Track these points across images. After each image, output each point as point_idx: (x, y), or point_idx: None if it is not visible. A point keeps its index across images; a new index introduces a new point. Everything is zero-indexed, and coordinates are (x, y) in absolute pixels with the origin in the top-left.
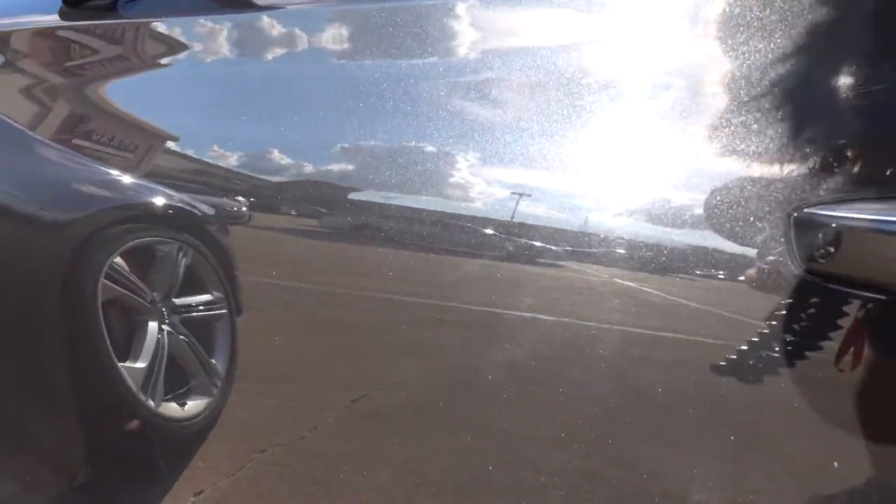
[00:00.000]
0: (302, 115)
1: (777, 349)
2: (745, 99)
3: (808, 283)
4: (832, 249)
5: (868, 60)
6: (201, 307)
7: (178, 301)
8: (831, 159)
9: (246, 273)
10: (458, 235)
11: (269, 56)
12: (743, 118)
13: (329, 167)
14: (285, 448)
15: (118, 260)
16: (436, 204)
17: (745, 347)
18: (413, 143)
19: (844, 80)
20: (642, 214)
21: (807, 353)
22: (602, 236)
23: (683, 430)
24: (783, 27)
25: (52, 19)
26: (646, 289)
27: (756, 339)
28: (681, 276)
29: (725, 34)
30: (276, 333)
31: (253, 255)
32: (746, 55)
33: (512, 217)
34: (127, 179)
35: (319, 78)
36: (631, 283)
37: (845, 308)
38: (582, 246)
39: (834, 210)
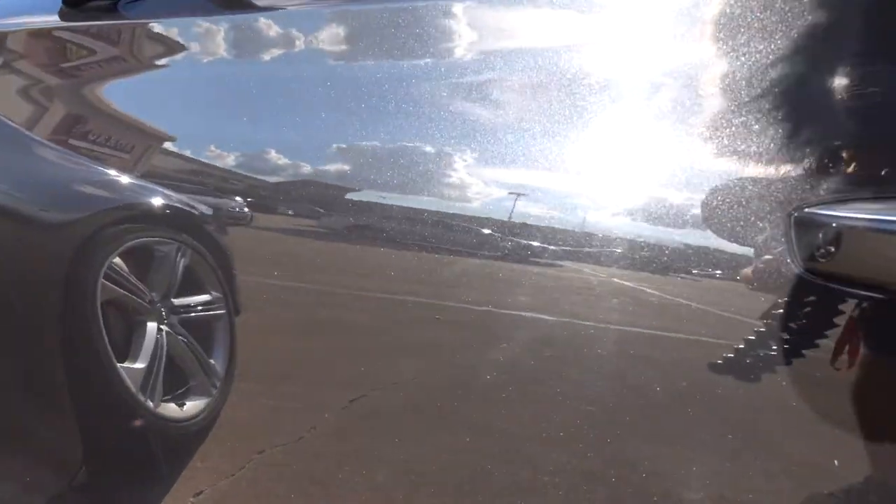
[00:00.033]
0: (300, 116)
1: (774, 348)
2: (746, 100)
3: (804, 282)
4: (832, 249)
5: (867, 61)
6: (200, 307)
7: (176, 301)
8: (831, 159)
9: (244, 273)
10: (456, 235)
11: (270, 57)
12: (744, 119)
13: (327, 167)
14: (284, 448)
15: (117, 260)
16: (434, 204)
17: (742, 346)
18: (411, 144)
19: (844, 81)
20: (643, 214)
21: (803, 352)
22: (602, 236)
23: (682, 430)
24: (783, 28)
25: (52, 20)
26: (645, 289)
27: (753, 338)
28: (680, 275)
29: (726, 35)
30: (274, 333)
31: (251, 256)
32: (747, 56)
33: (509, 217)
34: (126, 180)
35: (318, 79)
36: (630, 283)
37: (840, 307)
38: (581, 246)
39: (834, 210)
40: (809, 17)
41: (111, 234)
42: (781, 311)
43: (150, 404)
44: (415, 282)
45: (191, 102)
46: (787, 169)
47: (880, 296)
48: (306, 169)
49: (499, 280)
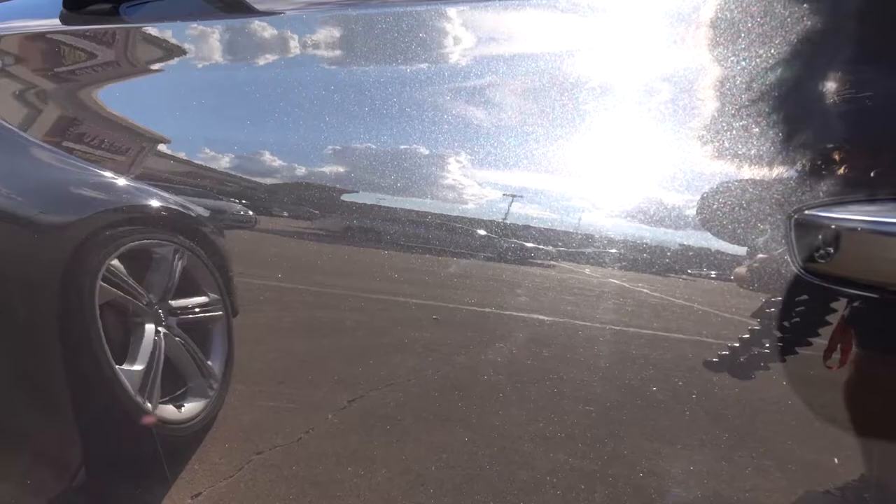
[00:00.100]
0: (297, 119)
1: (767, 346)
2: (746, 103)
3: (798, 282)
4: (832, 250)
5: (864, 66)
6: (197, 309)
7: (174, 303)
8: (831, 162)
9: (241, 275)
10: (453, 236)
11: (271, 61)
12: (744, 122)
13: (323, 169)
14: (283, 449)
15: (115, 262)
16: (431, 205)
17: (736, 344)
18: (406, 146)
19: (842, 86)
20: (644, 216)
21: (796, 350)
22: (599, 237)
23: (678, 428)
24: (782, 33)
25: (53, 23)
26: (642, 289)
27: (747, 336)
28: (677, 276)
29: (727, 40)
30: (272, 335)
31: (249, 257)
32: (747, 61)
33: (505, 218)
34: (126, 183)
35: (317, 82)
36: (627, 284)
37: (833, 306)
38: (577, 246)
39: (833, 212)
40: (808, 23)
41: (109, 237)
42: (775, 309)
43: (149, 406)
44: (412, 283)
45: (192, 106)
46: (786, 172)
47: (878, 296)
48: (302, 171)
49: (496, 281)
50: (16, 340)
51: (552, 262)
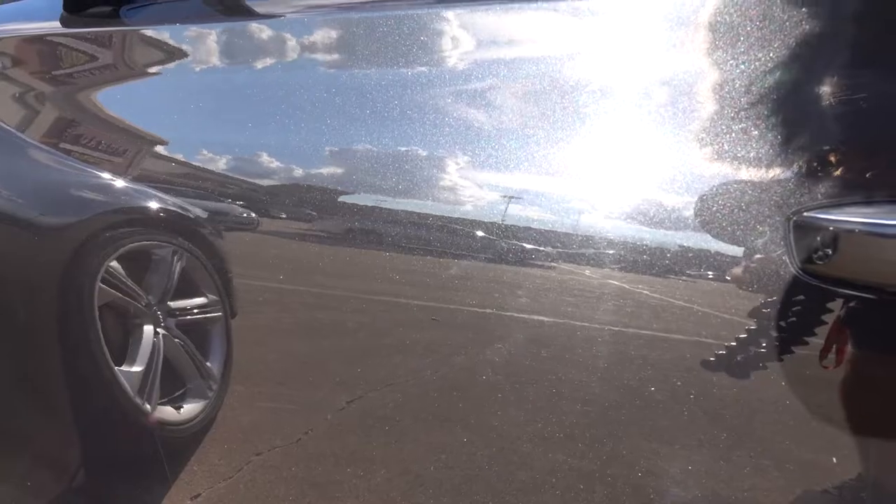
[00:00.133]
0: (296, 121)
1: (764, 345)
2: (745, 106)
3: (794, 282)
4: (830, 252)
5: (862, 69)
6: (196, 310)
7: (173, 304)
8: (829, 164)
9: (240, 276)
10: (452, 238)
11: (272, 63)
12: (743, 125)
13: (324, 171)
14: (282, 450)
15: (114, 264)
16: (430, 207)
17: (733, 343)
18: (405, 148)
19: (840, 89)
20: (644, 218)
21: (792, 350)
22: (602, 239)
23: (677, 428)
24: (781, 37)
25: (53, 26)
26: (641, 290)
27: (744, 336)
28: (678, 277)
29: (726, 43)
30: (271, 336)
31: (247, 258)
32: (746, 64)
33: (503, 219)
34: (125, 185)
35: (318, 84)
36: (625, 285)
37: (829, 306)
38: (576, 248)
39: (832, 214)
40: (805, 27)
41: (108, 238)
42: (771, 309)
43: (148, 407)
44: (412, 284)
45: (192, 108)
46: (785, 174)
47: (876, 297)
48: (303, 173)
49: (496, 282)
50: (15, 342)
51: (552, 264)
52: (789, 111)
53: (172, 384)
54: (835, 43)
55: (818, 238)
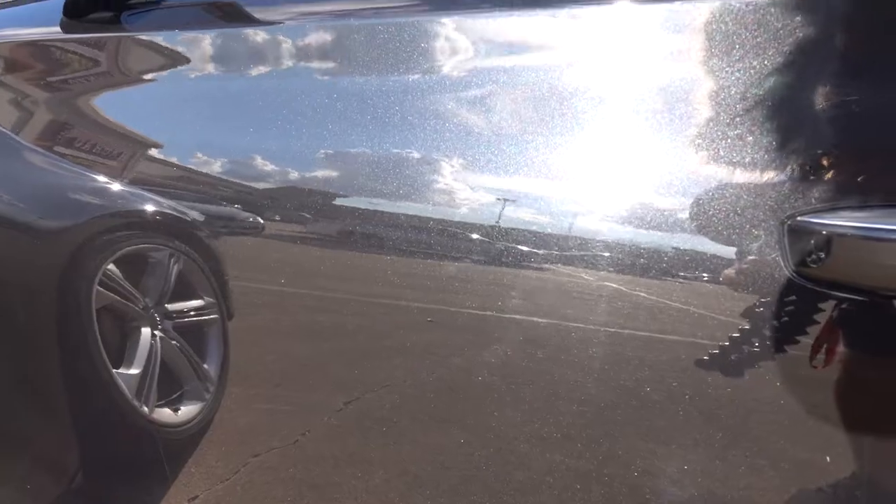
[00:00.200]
0: (294, 125)
1: (756, 345)
2: (741, 112)
3: (786, 284)
4: (823, 255)
5: (855, 75)
6: (193, 313)
7: (170, 307)
8: (823, 169)
9: (237, 279)
10: (452, 241)
11: (272, 68)
12: (738, 131)
13: (324, 175)
14: (279, 451)
15: (111, 267)
16: (426, 209)
17: (727, 343)
18: (402, 151)
19: (833, 95)
20: (641, 221)
21: (784, 350)
22: (599, 242)
23: (673, 428)
24: (775, 44)
25: (53, 31)
26: (637, 292)
27: (737, 335)
28: (675, 280)
29: (721, 51)
30: (267, 337)
31: (244, 261)
32: (742, 71)
33: (497, 221)
34: (122, 188)
35: (317, 90)
36: (622, 287)
37: (821, 308)
38: (579, 250)
39: (825, 218)
40: (799, 34)
41: (106, 242)
42: (765, 310)
43: (145, 410)
44: (409, 286)
45: (192, 113)
46: (779, 179)
47: (868, 299)
48: (303, 177)
49: (494, 284)
50: (14, 345)
51: (550, 266)
52: (783, 117)
53: (170, 386)
54: (828, 49)
55: (812, 241)
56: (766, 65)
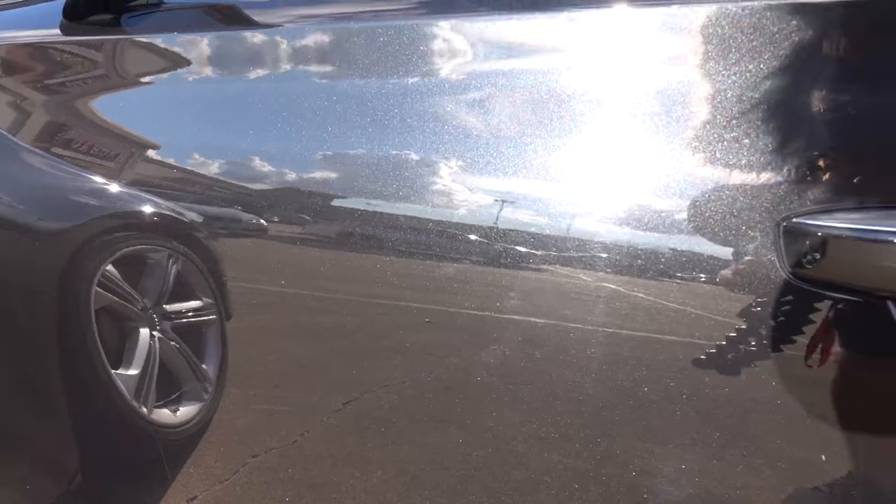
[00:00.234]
0: (301, 129)
1: (753, 344)
2: (737, 115)
3: (782, 284)
4: (818, 256)
5: (850, 78)
6: (191, 313)
7: (168, 307)
8: (818, 172)
9: (235, 279)
10: (446, 240)
11: (271, 71)
12: (735, 133)
13: (324, 176)
14: (278, 452)
15: (110, 268)
16: (424, 211)
17: (723, 342)
18: (400, 153)
19: (828, 99)
20: (638, 223)
21: (780, 350)
22: (598, 243)
23: (670, 428)
24: (771, 48)
25: (53, 33)
26: (635, 292)
27: (733, 335)
28: (672, 280)
29: (718, 54)
30: (266, 338)
31: (242, 261)
32: (738, 74)
33: (495, 222)
34: (121, 189)
35: (320, 92)
36: (620, 287)
37: (816, 307)
38: (577, 251)
39: (820, 219)
40: (795, 38)
41: (105, 243)
42: (761, 310)
43: (144, 410)
44: (408, 287)
45: (191, 115)
46: (775, 181)
47: (862, 300)
48: (303, 178)
49: (493, 285)
50: (13, 345)
51: (548, 267)
52: (779, 120)
53: (169, 387)
54: (822, 53)
55: (807, 243)
56: (761, 68)
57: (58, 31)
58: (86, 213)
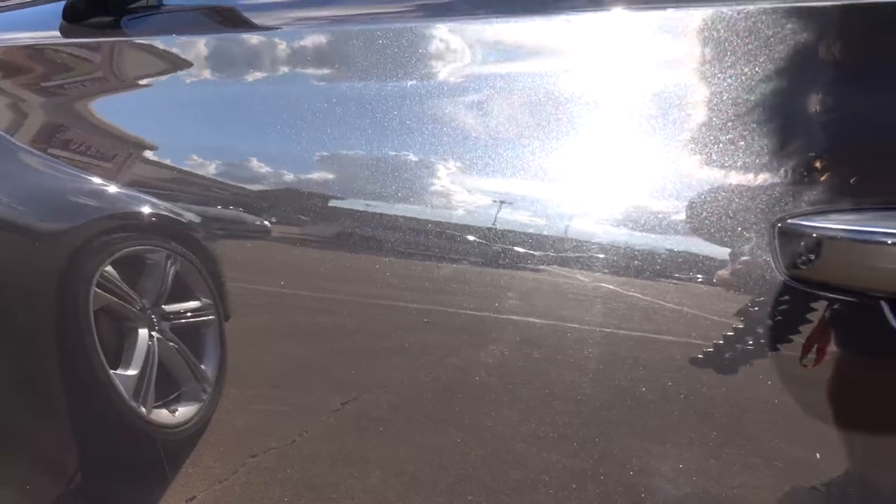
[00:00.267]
0: (301, 130)
1: (750, 344)
2: (733, 117)
3: (779, 285)
4: (813, 257)
5: (846, 80)
6: (190, 314)
7: (167, 308)
8: (813, 173)
9: (234, 280)
10: (445, 241)
11: (271, 73)
12: (730, 135)
13: (323, 177)
14: (277, 452)
15: (109, 269)
16: (423, 212)
17: (721, 342)
18: (398, 154)
19: (823, 101)
20: (636, 224)
21: (778, 349)
22: (595, 244)
23: (668, 428)
24: (766, 51)
25: (53, 35)
26: (633, 293)
27: (730, 334)
28: (669, 281)
29: (714, 57)
30: (265, 338)
31: (240, 262)
32: (734, 77)
33: (494, 223)
34: (119, 190)
35: (320, 93)
36: (618, 288)
37: (811, 308)
38: (575, 252)
39: (815, 221)
40: (790, 41)
41: (103, 243)
42: (757, 311)
43: (143, 411)
44: (407, 288)
45: (191, 117)
46: (770, 183)
47: (857, 300)
48: (300, 179)
49: (487, 284)
50: (13, 346)
51: (546, 268)
52: (774, 122)
53: (167, 387)
54: (817, 56)
55: (802, 244)
56: (757, 71)
57: (58, 32)
58: (85, 214)
